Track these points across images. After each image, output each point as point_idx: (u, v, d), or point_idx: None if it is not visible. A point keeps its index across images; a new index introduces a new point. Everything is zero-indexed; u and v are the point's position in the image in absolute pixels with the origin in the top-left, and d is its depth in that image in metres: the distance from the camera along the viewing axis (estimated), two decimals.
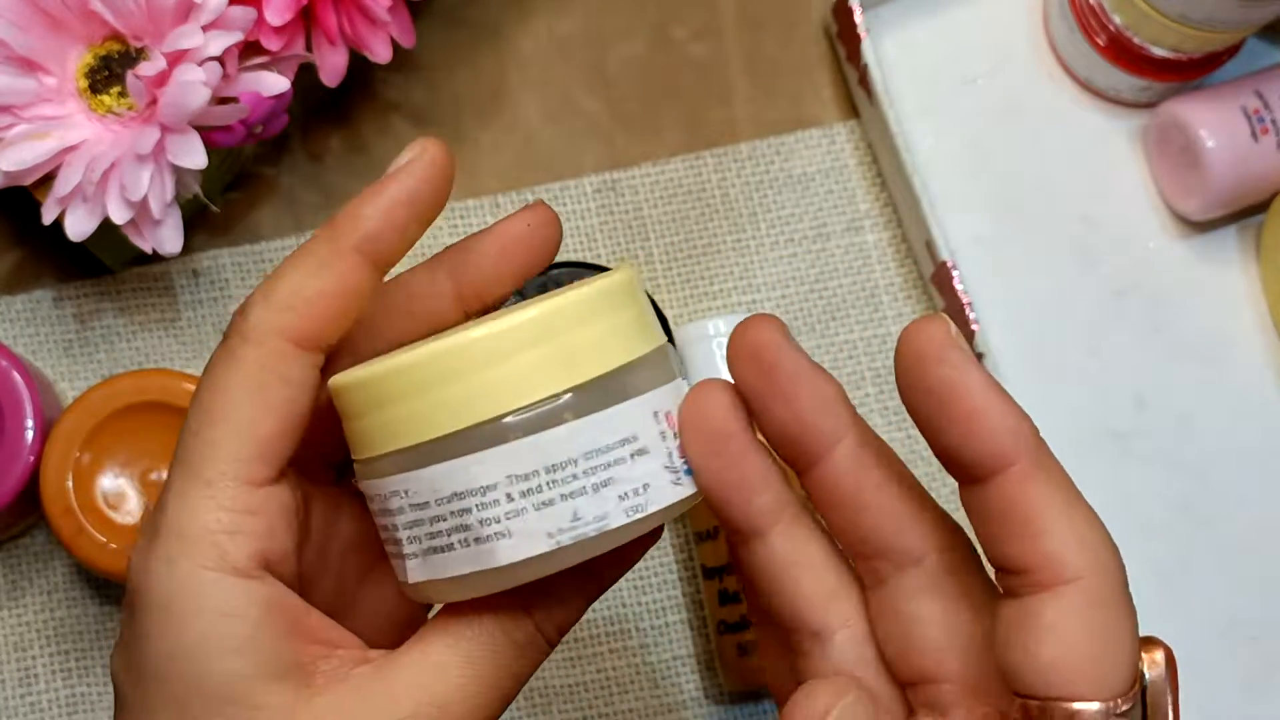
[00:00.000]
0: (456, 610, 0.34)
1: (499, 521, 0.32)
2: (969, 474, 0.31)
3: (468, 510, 0.32)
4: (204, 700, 0.33)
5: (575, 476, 0.32)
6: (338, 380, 0.34)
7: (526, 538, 0.32)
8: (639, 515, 0.32)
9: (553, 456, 0.32)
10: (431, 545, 0.33)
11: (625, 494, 0.32)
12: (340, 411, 0.35)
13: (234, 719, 0.33)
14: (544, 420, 0.32)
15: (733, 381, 0.33)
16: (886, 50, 0.63)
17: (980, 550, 0.32)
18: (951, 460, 0.31)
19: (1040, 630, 0.30)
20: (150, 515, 0.35)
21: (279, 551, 0.34)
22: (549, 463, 0.32)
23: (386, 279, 0.36)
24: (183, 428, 0.35)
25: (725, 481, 0.33)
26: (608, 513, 0.32)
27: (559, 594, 0.34)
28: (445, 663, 0.34)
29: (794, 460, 0.34)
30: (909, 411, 0.31)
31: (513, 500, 0.32)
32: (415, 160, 0.35)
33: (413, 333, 0.37)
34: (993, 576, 0.32)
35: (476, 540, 0.32)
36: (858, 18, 0.60)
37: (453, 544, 0.32)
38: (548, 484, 0.32)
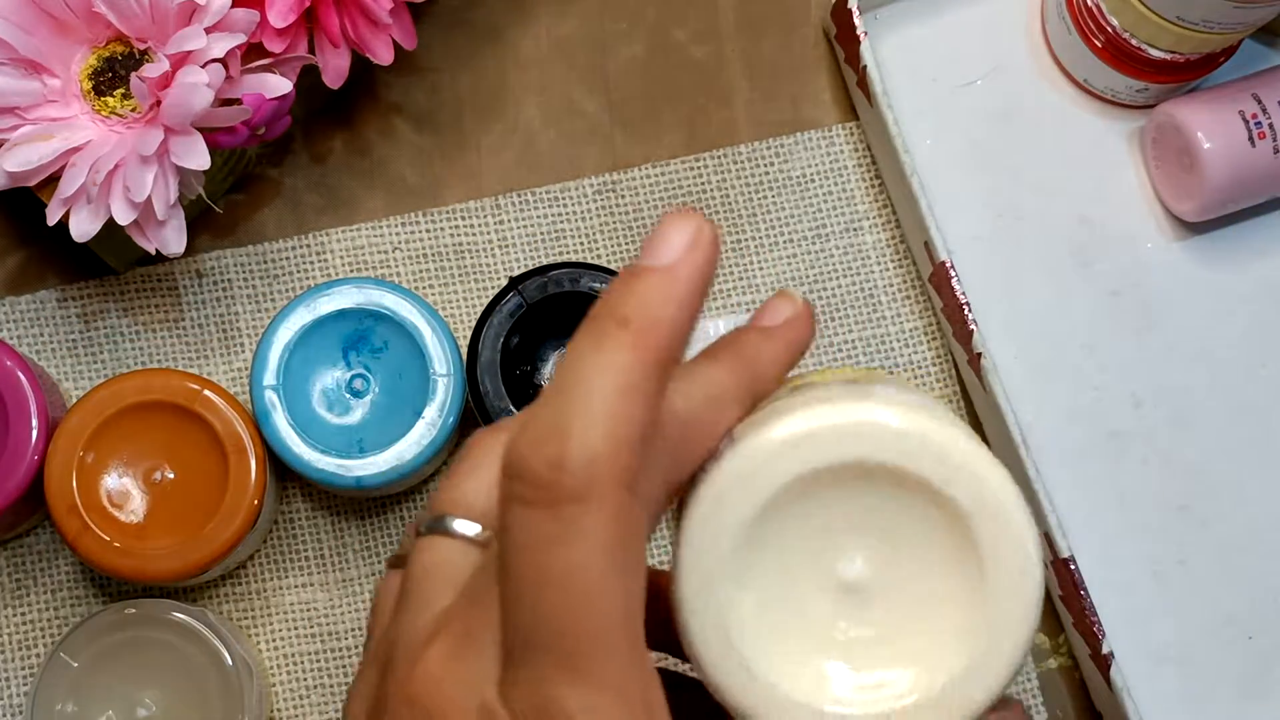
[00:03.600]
0: None
1: None
2: None
3: None
4: None
5: None
6: None
7: None
8: None
9: None
10: None
11: None
12: None
13: None
14: None
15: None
16: (885, 52, 0.64)
17: None
18: None
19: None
20: None
21: None
22: None
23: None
24: (518, 606, 0.29)
25: None
26: None
27: None
28: None
29: None
30: None
31: None
32: (696, 245, 0.30)
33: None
34: None
35: None
36: (856, 20, 0.60)
37: None
38: None
